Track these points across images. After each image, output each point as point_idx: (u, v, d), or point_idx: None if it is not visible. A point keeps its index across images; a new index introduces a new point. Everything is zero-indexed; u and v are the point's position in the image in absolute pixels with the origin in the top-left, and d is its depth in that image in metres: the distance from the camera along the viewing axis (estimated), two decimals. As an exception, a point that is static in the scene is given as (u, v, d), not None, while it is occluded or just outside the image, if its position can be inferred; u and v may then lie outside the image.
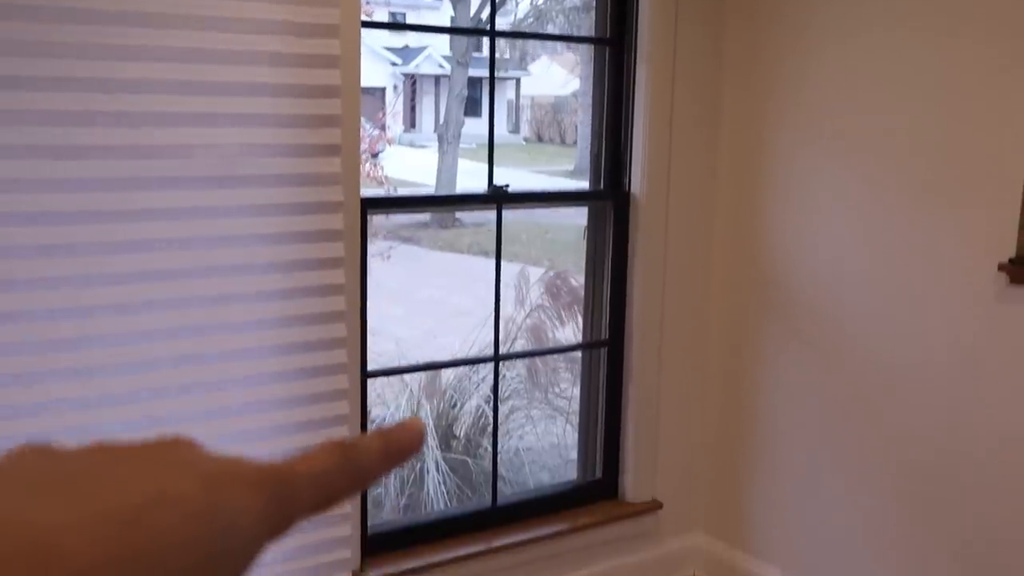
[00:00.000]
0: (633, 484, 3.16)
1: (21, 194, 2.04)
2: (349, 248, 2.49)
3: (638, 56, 2.94)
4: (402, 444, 0.37)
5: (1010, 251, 2.38)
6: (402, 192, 8.10)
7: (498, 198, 2.82)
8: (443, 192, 8.24)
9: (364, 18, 2.50)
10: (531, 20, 11.00)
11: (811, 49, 2.80)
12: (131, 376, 2.21)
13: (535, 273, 4.24)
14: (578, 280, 3.98)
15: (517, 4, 10.54)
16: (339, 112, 2.39)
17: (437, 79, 11.06)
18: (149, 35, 2.13)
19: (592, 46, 3.06)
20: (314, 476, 0.34)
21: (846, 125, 2.73)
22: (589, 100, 3.12)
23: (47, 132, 2.05)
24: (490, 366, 3.65)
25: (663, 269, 3.07)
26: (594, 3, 3.04)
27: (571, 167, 11.58)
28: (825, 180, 2.80)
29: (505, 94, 12.75)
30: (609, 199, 3.03)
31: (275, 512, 0.32)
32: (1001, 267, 2.39)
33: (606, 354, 3.12)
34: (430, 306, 6.69)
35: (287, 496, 0.33)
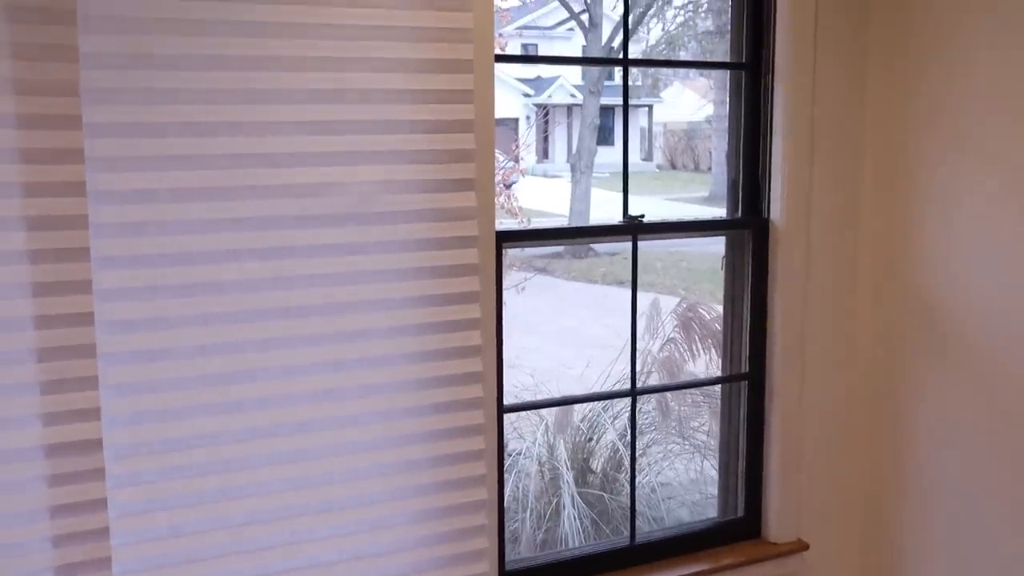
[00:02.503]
0: (777, 523, 3.03)
1: (169, 235, 2.12)
2: (485, 282, 2.49)
3: (776, 79, 2.86)
4: None
5: None
6: (536, 223, 8.13)
7: (633, 229, 2.78)
8: (577, 222, 8.25)
9: (497, 51, 2.51)
10: (663, 47, 10.93)
11: (960, 61, 2.66)
12: (273, 410, 2.26)
13: (667, 305, 4.15)
14: (710, 312, 3.89)
15: (648, 31, 10.47)
16: (474, 146, 2.40)
17: (569, 108, 11.10)
18: (289, 78, 2.19)
19: (727, 71, 2.99)
20: None
21: (1002, 140, 2.58)
22: (724, 125, 3.06)
23: (194, 175, 2.13)
24: (625, 399, 3.59)
25: (805, 298, 2.96)
26: (728, 27, 2.98)
27: (706, 193, 11.41)
28: (980, 201, 2.65)
29: (637, 122, 12.68)
30: (747, 227, 2.94)
31: None
32: None
33: (747, 387, 3.02)
34: (565, 337, 6.67)
35: None
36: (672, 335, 3.94)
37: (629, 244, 2.80)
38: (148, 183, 2.09)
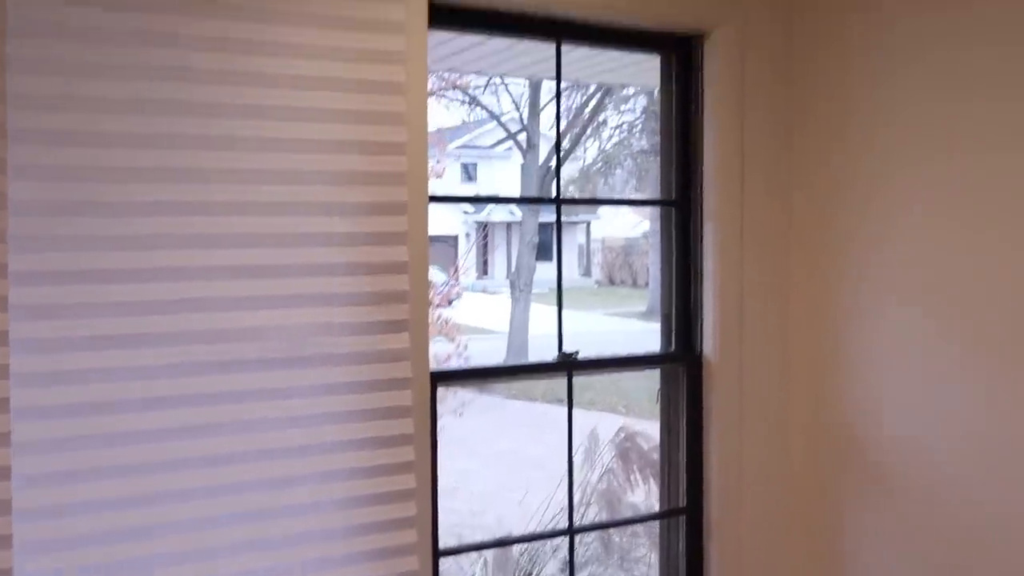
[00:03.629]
0: (720, 661, 2.98)
1: (91, 384, 2.07)
2: (419, 423, 2.46)
3: (704, 216, 2.93)
4: None
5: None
6: (476, 340, 8.16)
7: (568, 366, 2.78)
8: (516, 340, 8.32)
9: (432, 193, 2.53)
10: (600, 164, 11.20)
11: (885, 190, 2.74)
12: (194, 565, 2.17)
13: (606, 429, 4.13)
14: (648, 442, 3.88)
15: (585, 150, 10.74)
16: (408, 288, 2.40)
17: (508, 225, 11.27)
18: (218, 223, 2.19)
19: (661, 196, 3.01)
20: None
21: (930, 274, 2.64)
22: (659, 243, 3.09)
23: (118, 322, 2.09)
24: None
25: (740, 432, 2.97)
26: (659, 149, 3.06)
27: (644, 308, 11.59)
28: (907, 337, 2.70)
29: (576, 238, 12.91)
30: (681, 362, 2.97)
31: None
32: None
33: (684, 522, 3.00)
34: (505, 459, 6.60)
35: None
36: (611, 465, 3.91)
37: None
38: (72, 331, 2.05)
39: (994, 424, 2.48)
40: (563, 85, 2.94)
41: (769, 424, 3.02)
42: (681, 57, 2.95)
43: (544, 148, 8.89)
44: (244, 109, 2.21)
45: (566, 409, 2.85)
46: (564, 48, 2.81)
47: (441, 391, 2.60)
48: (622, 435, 4.04)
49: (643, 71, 3.30)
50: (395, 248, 2.39)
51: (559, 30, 2.74)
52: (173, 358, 2.15)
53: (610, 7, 2.70)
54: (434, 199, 2.54)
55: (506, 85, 8.15)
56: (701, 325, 2.95)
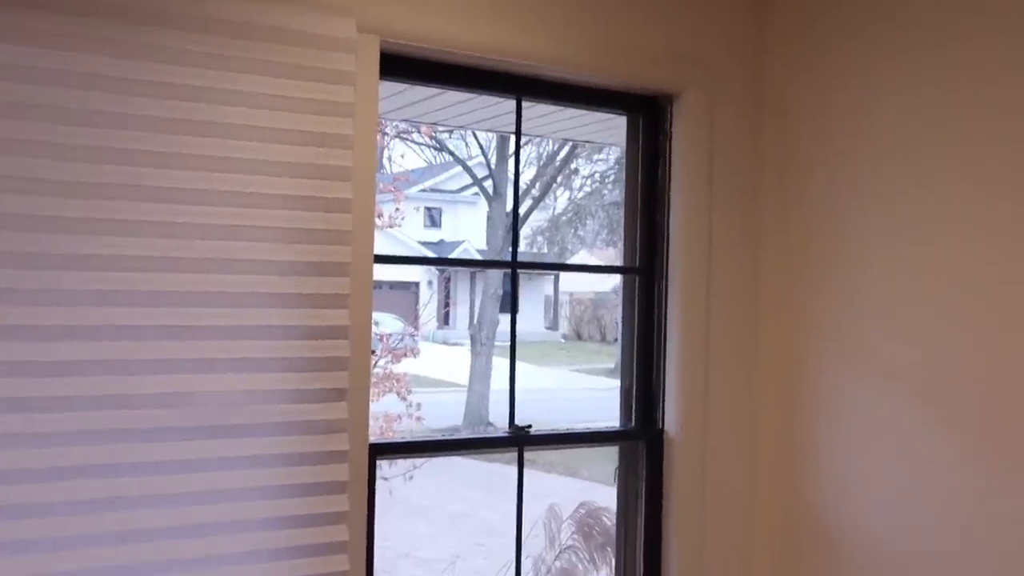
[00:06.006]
0: None
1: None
2: (355, 500, 2.29)
3: (670, 284, 2.79)
4: None
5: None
6: (433, 394, 7.95)
7: (519, 441, 2.62)
8: (475, 397, 8.10)
9: (382, 252, 2.38)
10: (570, 214, 11.10)
11: (854, 275, 2.62)
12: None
13: (566, 504, 3.92)
14: (611, 518, 3.69)
15: (556, 199, 10.63)
16: (347, 354, 2.25)
17: (472, 274, 11.08)
18: (149, 279, 2.04)
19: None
20: None
21: (897, 354, 2.51)
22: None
23: (31, 383, 1.93)
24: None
25: (702, 512, 2.80)
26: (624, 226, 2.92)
27: (612, 365, 11.41)
28: (875, 415, 2.57)
29: (543, 290, 12.72)
30: (641, 438, 2.81)
31: None
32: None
33: (641, 607, 2.82)
34: (459, 522, 6.34)
35: None
36: (570, 542, 3.70)
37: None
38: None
39: (971, 524, 2.34)
40: (526, 139, 2.81)
41: (734, 509, 2.85)
42: (648, 118, 2.82)
43: (512, 196, 8.79)
44: (181, 159, 2.08)
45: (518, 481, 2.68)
46: (525, 104, 2.68)
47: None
48: (583, 511, 3.83)
49: (609, 129, 3.17)
50: (337, 311, 2.24)
51: (520, 86, 2.62)
52: (87, 424, 1.98)
53: (574, 65, 2.58)
54: (379, 259, 2.39)
55: (474, 132, 8.03)
56: (663, 399, 2.80)
